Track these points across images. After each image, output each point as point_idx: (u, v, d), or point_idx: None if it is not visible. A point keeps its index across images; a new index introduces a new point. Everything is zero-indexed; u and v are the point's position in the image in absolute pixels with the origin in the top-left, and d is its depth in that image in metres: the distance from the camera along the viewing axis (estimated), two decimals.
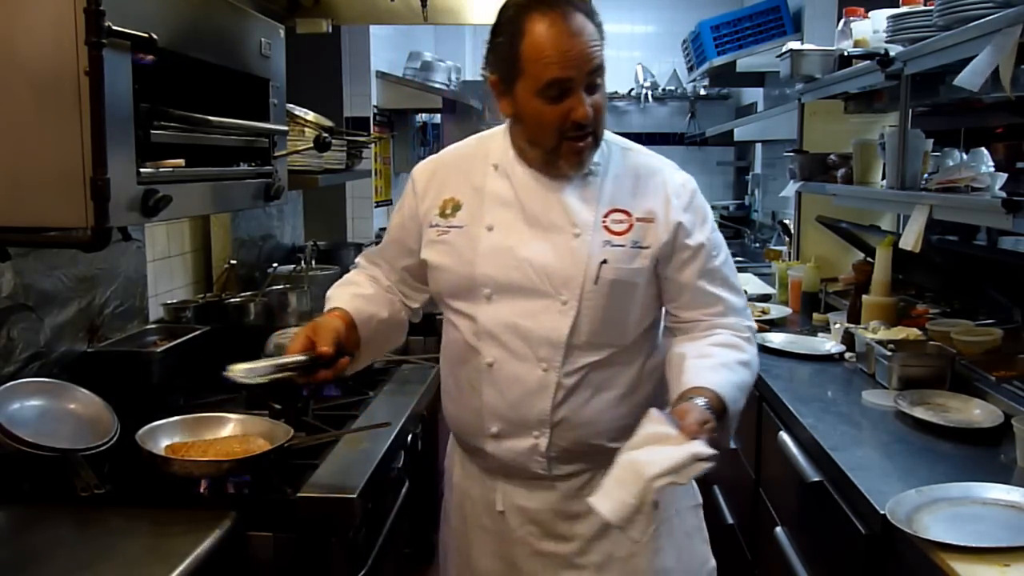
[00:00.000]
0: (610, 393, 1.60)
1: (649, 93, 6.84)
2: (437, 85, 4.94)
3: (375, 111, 4.51)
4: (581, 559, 1.64)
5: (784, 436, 2.09)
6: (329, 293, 1.76)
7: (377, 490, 1.85)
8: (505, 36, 1.51)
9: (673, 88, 6.87)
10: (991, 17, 1.89)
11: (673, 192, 1.61)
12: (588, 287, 1.55)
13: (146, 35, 1.31)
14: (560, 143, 1.52)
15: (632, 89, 6.76)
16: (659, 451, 1.30)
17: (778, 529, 2.12)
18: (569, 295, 1.55)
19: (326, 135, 2.23)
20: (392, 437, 1.97)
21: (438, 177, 1.69)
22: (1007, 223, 1.86)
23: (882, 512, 1.44)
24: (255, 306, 2.65)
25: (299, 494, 1.62)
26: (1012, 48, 1.82)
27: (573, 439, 1.59)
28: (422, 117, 5.67)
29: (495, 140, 1.68)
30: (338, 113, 4.17)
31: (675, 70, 6.78)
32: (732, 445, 2.57)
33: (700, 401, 1.41)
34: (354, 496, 1.63)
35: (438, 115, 5.64)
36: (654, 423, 1.37)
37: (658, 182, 1.63)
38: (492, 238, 1.59)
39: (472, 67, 6.56)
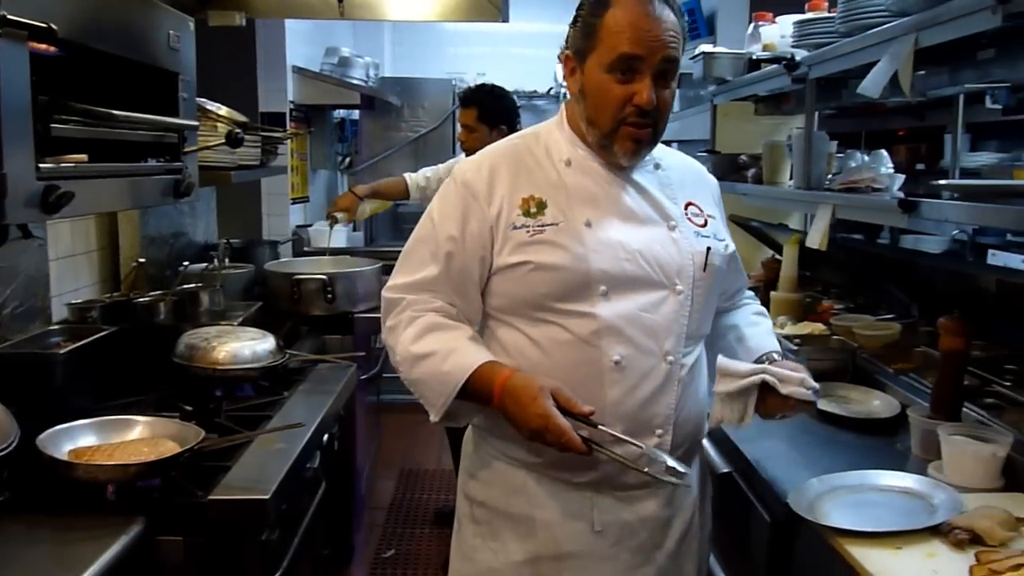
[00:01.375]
0: (702, 385, 1.63)
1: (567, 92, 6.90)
2: (355, 81, 4.89)
3: (292, 107, 4.44)
4: (669, 564, 1.60)
5: None
6: (444, 348, 1.50)
7: (292, 491, 1.83)
8: (588, 8, 1.51)
9: None
10: (888, 25, 1.98)
11: (715, 189, 1.74)
12: (698, 275, 1.57)
13: (44, 25, 1.27)
14: (618, 127, 1.50)
15: (551, 88, 6.81)
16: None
17: None
18: (683, 284, 1.55)
19: (239, 131, 2.19)
20: (307, 437, 1.95)
21: (500, 177, 1.57)
22: (903, 222, 1.95)
23: (785, 500, 1.50)
24: (165, 305, 2.57)
25: (210, 497, 1.59)
26: (908, 55, 1.91)
27: (684, 435, 1.56)
28: (340, 113, 5.61)
29: (553, 135, 1.62)
30: (253, 108, 4.09)
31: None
32: None
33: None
34: (266, 497, 1.61)
35: (356, 112, 5.59)
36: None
37: (703, 178, 1.74)
38: (596, 234, 1.52)
39: (392, 64, 6.52)
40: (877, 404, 2.03)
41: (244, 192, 4.19)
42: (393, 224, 6.49)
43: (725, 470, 1.89)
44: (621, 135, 1.51)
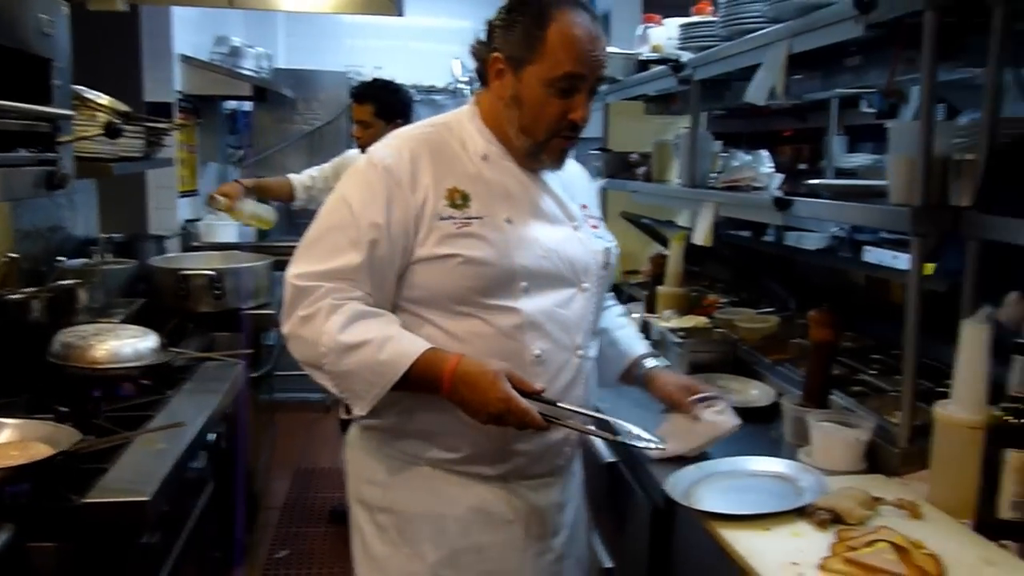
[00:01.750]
0: (594, 379, 1.68)
1: (467, 88, 6.91)
2: (246, 72, 4.77)
3: (179, 97, 4.30)
4: (565, 548, 1.68)
5: None
6: (378, 336, 1.45)
7: (174, 492, 1.78)
8: (529, 17, 1.51)
9: None
10: (764, 31, 2.07)
11: (596, 191, 1.83)
12: (599, 274, 1.65)
13: None
14: (550, 138, 1.55)
15: (449, 83, 6.80)
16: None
17: None
18: (589, 282, 1.62)
19: (118, 121, 2.11)
20: (191, 437, 1.90)
21: (423, 164, 1.55)
22: (778, 219, 2.05)
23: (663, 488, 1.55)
24: (39, 303, 2.45)
25: (84, 500, 1.53)
26: (783, 60, 2.00)
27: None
28: (232, 105, 5.46)
29: (466, 129, 1.62)
30: (137, 98, 3.95)
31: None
32: None
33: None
34: (145, 499, 1.56)
35: (249, 103, 5.45)
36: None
37: (588, 181, 1.82)
38: (517, 230, 1.55)
39: (286, 55, 6.38)
40: (755, 393, 2.12)
41: (128, 185, 4.03)
42: (287, 219, 6.34)
43: (610, 460, 1.94)
44: (552, 146, 1.57)
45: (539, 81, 1.50)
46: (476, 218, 1.53)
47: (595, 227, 1.72)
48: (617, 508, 1.96)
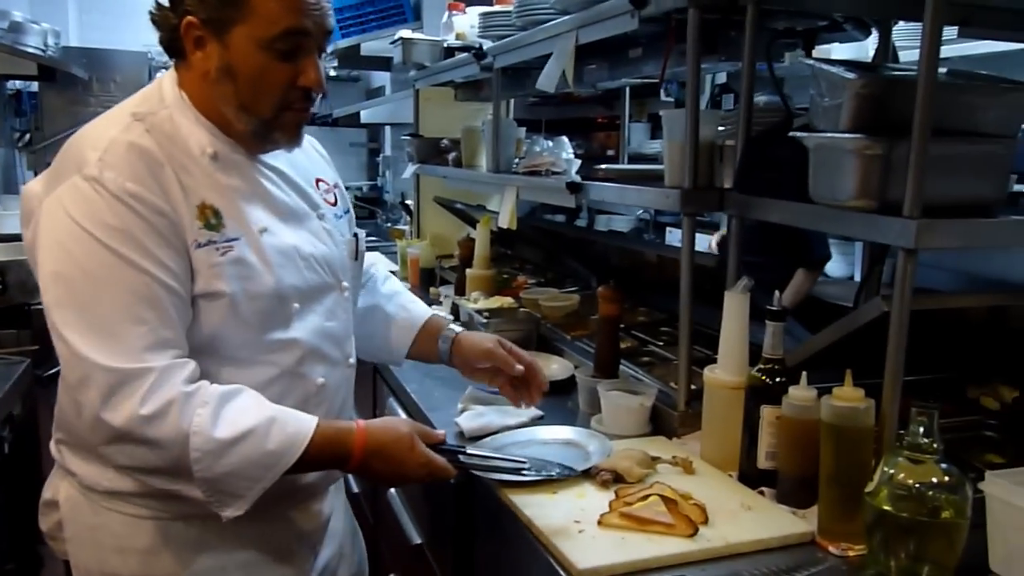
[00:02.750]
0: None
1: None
2: (30, 50, 4.43)
3: None
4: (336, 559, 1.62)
5: (392, 401, 2.23)
6: (260, 423, 1.22)
7: None
8: None
9: None
10: (554, 22, 2.16)
11: (322, 153, 1.61)
12: (351, 265, 1.48)
13: None
14: (279, 113, 1.31)
15: None
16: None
17: (391, 491, 2.25)
18: (346, 280, 1.47)
19: None
20: None
21: (165, 176, 1.25)
22: (571, 201, 2.16)
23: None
24: None
25: None
26: (571, 50, 2.10)
27: None
28: (16, 84, 5.05)
29: (176, 121, 1.31)
30: None
31: None
32: None
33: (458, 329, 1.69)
34: None
35: (35, 83, 5.05)
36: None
37: (312, 145, 1.58)
38: (273, 242, 1.32)
39: (77, 32, 5.96)
40: (555, 368, 2.22)
41: None
42: None
43: None
44: (284, 121, 1.33)
45: (253, 44, 1.25)
46: (235, 239, 1.28)
47: (334, 203, 1.51)
48: (425, 486, 2.01)
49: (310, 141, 1.56)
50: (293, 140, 1.38)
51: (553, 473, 1.45)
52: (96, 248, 1.19)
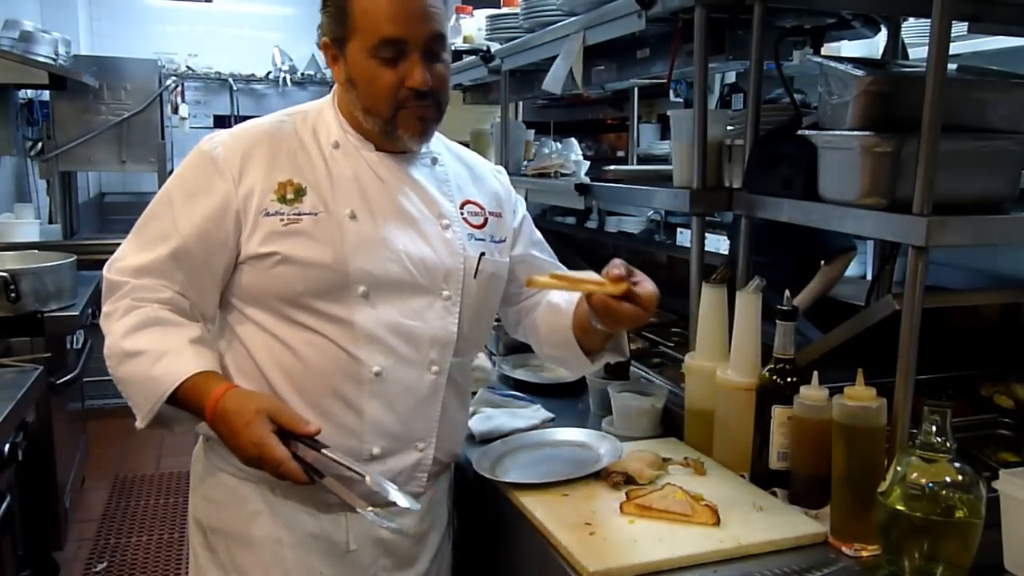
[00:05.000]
0: (465, 397, 1.58)
1: (288, 77, 6.75)
2: (41, 59, 4.45)
3: None
4: None
5: None
6: (157, 348, 1.34)
7: None
8: None
9: (312, 73, 6.85)
10: (561, 23, 2.16)
11: (503, 184, 1.64)
12: (468, 281, 1.47)
13: None
14: (396, 112, 1.40)
15: (270, 72, 6.63)
16: None
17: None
18: (451, 290, 1.46)
19: None
20: None
21: (256, 156, 1.42)
22: (581, 203, 2.16)
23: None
24: None
25: None
26: (579, 51, 2.10)
27: (447, 449, 1.51)
28: (28, 93, 5.08)
29: (322, 116, 1.49)
30: None
31: (313, 55, 6.75)
32: None
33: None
34: None
35: (47, 92, 5.08)
36: None
37: (488, 173, 1.63)
38: (359, 228, 1.40)
39: (88, 41, 6.00)
40: (564, 371, 2.22)
41: None
42: (98, 214, 6.01)
43: None
44: (404, 118, 1.41)
45: (363, 54, 1.38)
46: (309, 214, 1.39)
47: (480, 225, 1.54)
48: None
49: (494, 171, 1.67)
50: (417, 135, 1.45)
51: (388, 494, 1.29)
52: (164, 189, 1.45)
